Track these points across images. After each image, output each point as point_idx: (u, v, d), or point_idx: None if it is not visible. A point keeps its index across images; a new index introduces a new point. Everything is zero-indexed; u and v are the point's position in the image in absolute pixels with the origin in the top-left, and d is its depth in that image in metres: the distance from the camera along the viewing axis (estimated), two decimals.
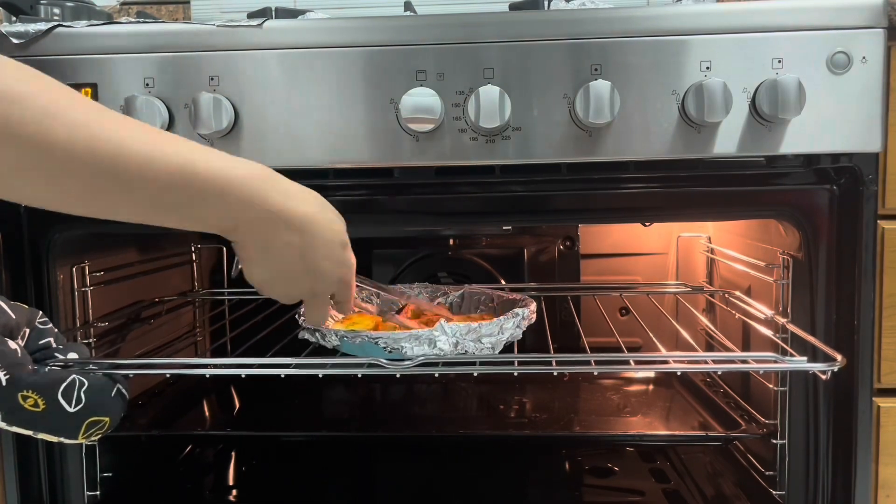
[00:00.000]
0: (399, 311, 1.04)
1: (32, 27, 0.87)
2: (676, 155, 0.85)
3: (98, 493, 1.04)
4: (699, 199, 0.92)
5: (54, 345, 0.82)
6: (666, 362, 0.88)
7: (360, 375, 0.87)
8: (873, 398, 0.91)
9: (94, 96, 0.87)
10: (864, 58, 0.82)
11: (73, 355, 0.83)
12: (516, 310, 0.91)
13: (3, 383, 0.73)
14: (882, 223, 0.89)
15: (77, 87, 0.87)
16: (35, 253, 0.95)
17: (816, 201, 0.90)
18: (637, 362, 0.89)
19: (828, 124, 0.83)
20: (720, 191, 0.91)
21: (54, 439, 0.79)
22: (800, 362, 0.84)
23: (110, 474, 1.06)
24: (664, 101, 0.84)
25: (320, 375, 0.89)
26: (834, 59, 0.82)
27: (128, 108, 0.84)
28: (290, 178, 0.91)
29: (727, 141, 0.84)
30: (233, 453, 1.27)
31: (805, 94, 0.81)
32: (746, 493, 1.04)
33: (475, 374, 0.87)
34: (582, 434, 1.21)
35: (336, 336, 0.88)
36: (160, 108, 0.85)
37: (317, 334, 0.90)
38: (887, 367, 0.91)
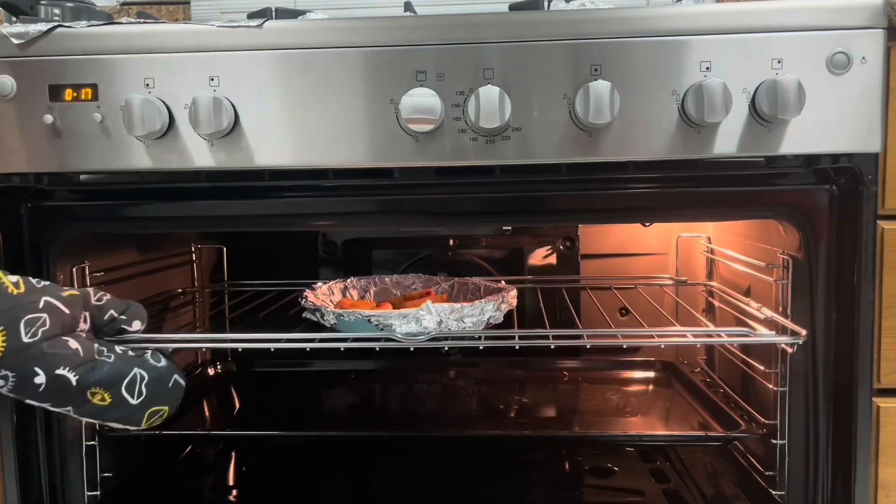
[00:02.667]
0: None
1: (33, 27, 0.87)
2: (676, 155, 0.85)
3: (98, 493, 1.04)
4: (699, 200, 0.92)
5: (116, 315, 0.89)
6: (650, 336, 0.98)
7: (377, 349, 0.97)
8: (873, 398, 0.91)
9: (95, 96, 0.87)
10: (863, 58, 0.82)
11: (136, 323, 0.90)
12: (496, 299, 1.01)
13: (74, 384, 0.81)
14: (882, 223, 0.89)
15: (77, 87, 0.87)
16: (36, 253, 0.95)
17: (816, 201, 0.90)
18: (624, 336, 0.99)
19: (827, 124, 0.83)
20: (720, 191, 0.91)
21: (121, 426, 0.88)
22: (768, 336, 0.94)
23: (110, 474, 1.06)
24: (664, 101, 0.83)
25: (342, 349, 0.96)
26: (834, 60, 0.82)
27: (128, 109, 0.84)
28: (290, 178, 0.92)
29: (727, 141, 0.84)
30: (233, 453, 1.27)
31: (805, 94, 0.81)
32: (746, 493, 1.04)
33: (480, 348, 0.98)
34: (582, 434, 1.22)
35: (333, 315, 0.99)
36: (160, 108, 0.85)
37: (317, 314, 1.01)
38: (887, 367, 0.91)
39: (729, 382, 1.28)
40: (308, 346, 0.94)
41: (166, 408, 0.88)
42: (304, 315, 1.04)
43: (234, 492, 1.15)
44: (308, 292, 1.11)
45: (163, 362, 0.88)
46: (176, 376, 0.89)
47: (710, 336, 1.04)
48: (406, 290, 1.25)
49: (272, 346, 0.96)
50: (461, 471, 1.16)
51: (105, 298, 0.89)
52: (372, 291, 1.24)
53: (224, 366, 1.53)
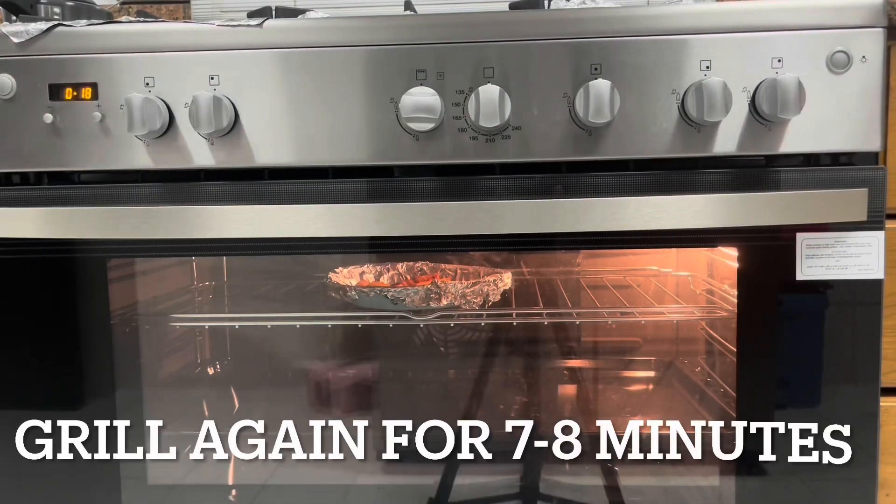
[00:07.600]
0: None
1: (32, 26, 0.87)
2: (676, 154, 0.85)
3: None
4: None
5: None
6: (633, 315, 1.15)
7: (391, 325, 1.15)
8: None
9: (95, 95, 0.87)
10: (863, 57, 0.82)
11: None
12: (493, 277, 1.18)
13: None
14: None
15: (77, 86, 0.87)
16: None
17: None
18: (609, 314, 1.16)
19: (827, 124, 0.83)
20: None
21: None
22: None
23: None
24: (664, 100, 0.84)
25: (360, 325, 1.13)
26: (834, 59, 0.82)
27: (128, 108, 0.84)
28: (290, 178, 0.92)
29: (727, 140, 0.84)
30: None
31: (805, 93, 0.81)
32: None
33: (482, 324, 1.12)
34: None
35: (355, 291, 1.14)
36: (160, 108, 0.85)
37: (340, 292, 1.16)
38: (887, 366, 0.91)
39: (729, 382, 1.27)
40: (330, 323, 1.12)
41: None
42: (329, 294, 1.19)
43: (234, 492, 1.15)
44: (331, 274, 1.24)
45: None
46: None
47: (688, 313, 1.23)
48: (416, 274, 1.37)
49: (297, 323, 1.10)
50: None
51: None
52: (385, 276, 1.38)
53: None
